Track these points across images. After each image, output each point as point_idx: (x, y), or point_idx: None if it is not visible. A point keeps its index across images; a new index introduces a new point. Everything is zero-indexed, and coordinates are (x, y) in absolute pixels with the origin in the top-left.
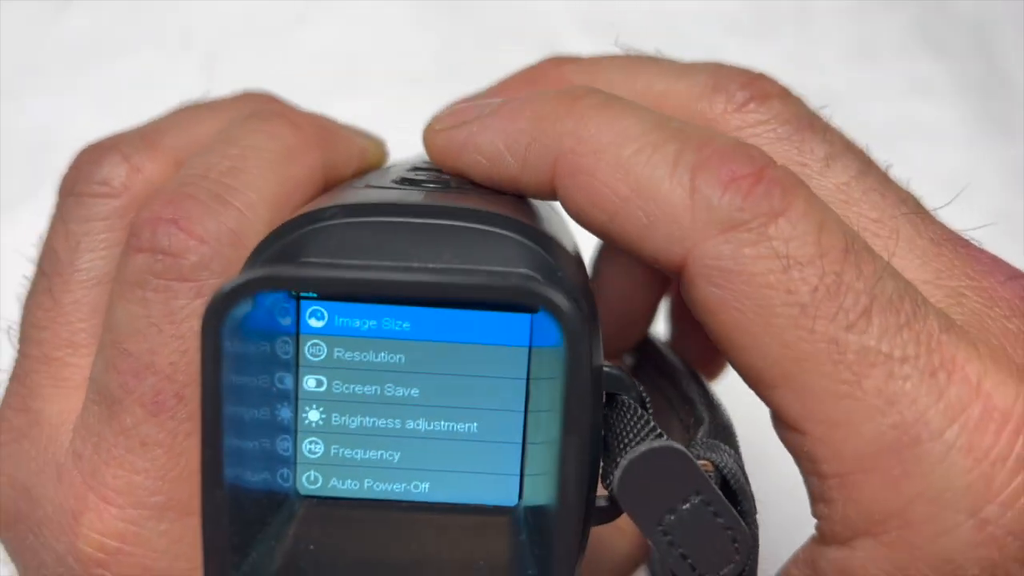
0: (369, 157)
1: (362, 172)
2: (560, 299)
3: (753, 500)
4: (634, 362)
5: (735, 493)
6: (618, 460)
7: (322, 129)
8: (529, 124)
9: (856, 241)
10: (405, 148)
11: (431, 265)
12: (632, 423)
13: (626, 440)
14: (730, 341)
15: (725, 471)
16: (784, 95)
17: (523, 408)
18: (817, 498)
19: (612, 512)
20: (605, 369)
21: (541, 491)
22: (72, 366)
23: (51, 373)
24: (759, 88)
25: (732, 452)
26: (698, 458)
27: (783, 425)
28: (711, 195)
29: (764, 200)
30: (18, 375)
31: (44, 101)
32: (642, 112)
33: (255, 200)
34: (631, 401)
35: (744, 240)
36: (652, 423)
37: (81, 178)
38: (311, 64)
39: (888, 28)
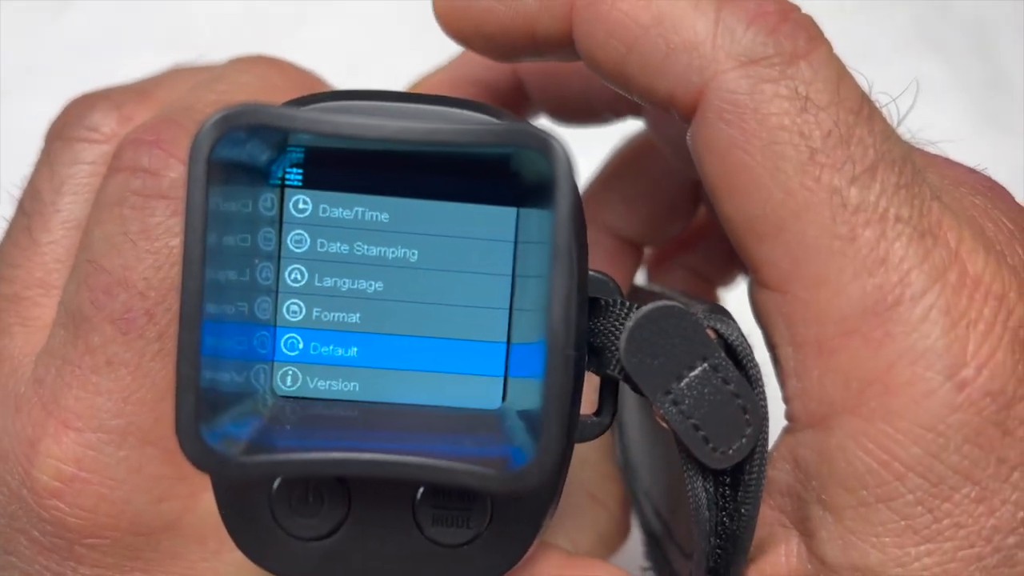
0: None
1: None
2: (552, 138)
3: (759, 370)
4: None
5: (741, 362)
6: (610, 341)
7: (309, 78)
8: None
9: (868, 100)
10: None
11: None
12: (621, 316)
13: (616, 325)
14: (730, 186)
15: (730, 339)
16: None
17: (508, 305)
18: (790, 373)
19: (598, 427)
20: (590, 273)
21: (525, 393)
22: (42, 306)
23: (19, 312)
24: None
25: (734, 323)
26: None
27: (764, 286)
28: (736, 27)
29: (789, 39)
30: None
31: (44, 101)
32: None
33: None
34: (616, 299)
35: (764, 75)
36: (633, 304)
37: (70, 123)
38: (311, 64)
39: (888, 28)
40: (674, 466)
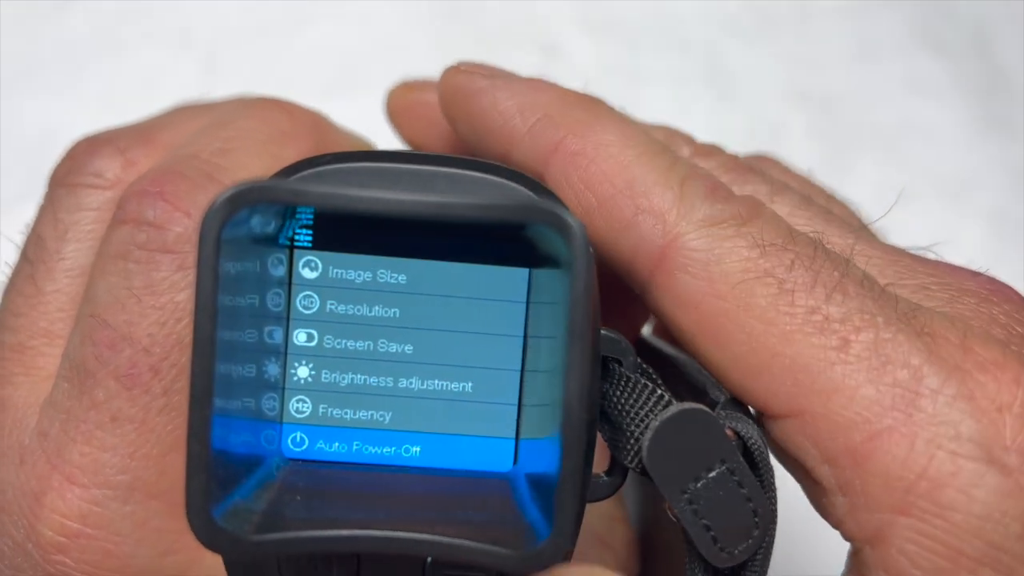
0: None
1: None
2: (568, 215)
3: (773, 473)
4: None
5: (757, 464)
6: (630, 430)
7: (315, 120)
8: (550, 101)
9: (822, 245)
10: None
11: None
12: (637, 393)
13: (634, 411)
14: (710, 333)
15: (748, 441)
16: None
17: (519, 367)
18: (835, 491)
19: (609, 487)
20: (602, 332)
21: (536, 455)
22: (46, 356)
23: (23, 361)
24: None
25: (753, 424)
26: (723, 426)
27: (776, 418)
28: (696, 197)
29: (742, 205)
30: None
31: (44, 101)
32: (645, 132)
33: (245, 179)
34: (630, 374)
35: (722, 234)
36: (660, 391)
37: (74, 169)
38: (311, 64)
39: (888, 28)
40: (652, 506)
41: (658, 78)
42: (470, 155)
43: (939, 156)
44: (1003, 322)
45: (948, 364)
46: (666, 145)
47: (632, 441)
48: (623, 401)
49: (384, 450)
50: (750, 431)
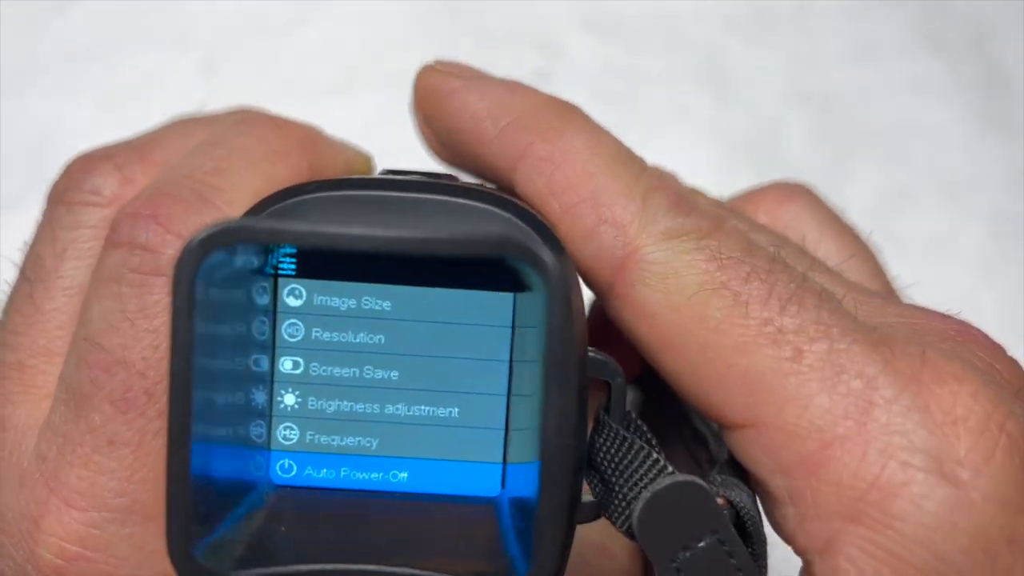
0: (355, 168)
1: None
2: (543, 251)
3: (765, 543)
4: (639, 397)
5: (749, 534)
6: (622, 493)
7: (309, 135)
8: (522, 104)
9: (778, 257)
10: (403, 149)
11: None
12: (632, 455)
13: (627, 473)
14: (666, 345)
15: (741, 510)
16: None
17: (506, 392)
18: (786, 502)
19: (597, 510)
20: (589, 354)
21: (524, 479)
22: (45, 374)
23: (23, 380)
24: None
25: (748, 491)
26: (715, 495)
27: (733, 428)
28: (658, 210)
29: (703, 220)
30: None
31: (44, 101)
32: (616, 141)
33: (238, 199)
34: (626, 433)
35: (682, 247)
36: (655, 455)
37: (72, 186)
38: (310, 64)
39: (888, 28)
40: None
41: (658, 78)
42: (448, 155)
43: (939, 156)
44: (965, 356)
45: (904, 375)
46: (635, 155)
47: (624, 505)
48: (615, 459)
49: (372, 476)
50: (744, 499)
